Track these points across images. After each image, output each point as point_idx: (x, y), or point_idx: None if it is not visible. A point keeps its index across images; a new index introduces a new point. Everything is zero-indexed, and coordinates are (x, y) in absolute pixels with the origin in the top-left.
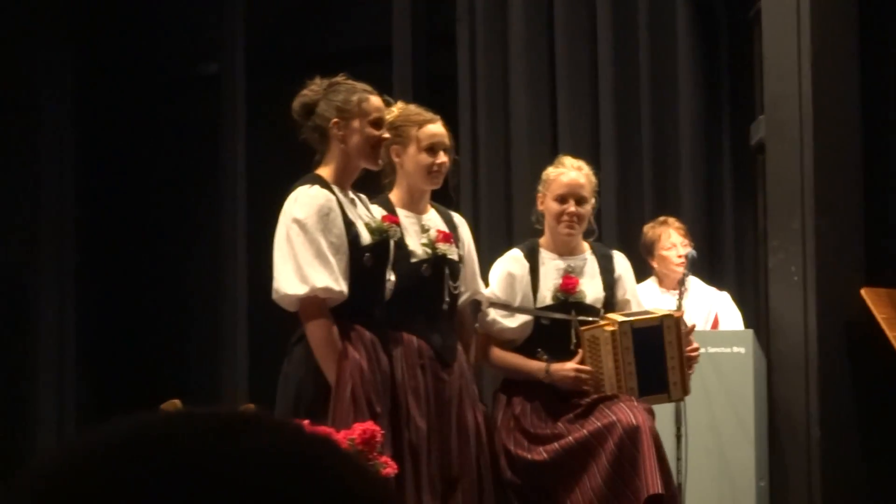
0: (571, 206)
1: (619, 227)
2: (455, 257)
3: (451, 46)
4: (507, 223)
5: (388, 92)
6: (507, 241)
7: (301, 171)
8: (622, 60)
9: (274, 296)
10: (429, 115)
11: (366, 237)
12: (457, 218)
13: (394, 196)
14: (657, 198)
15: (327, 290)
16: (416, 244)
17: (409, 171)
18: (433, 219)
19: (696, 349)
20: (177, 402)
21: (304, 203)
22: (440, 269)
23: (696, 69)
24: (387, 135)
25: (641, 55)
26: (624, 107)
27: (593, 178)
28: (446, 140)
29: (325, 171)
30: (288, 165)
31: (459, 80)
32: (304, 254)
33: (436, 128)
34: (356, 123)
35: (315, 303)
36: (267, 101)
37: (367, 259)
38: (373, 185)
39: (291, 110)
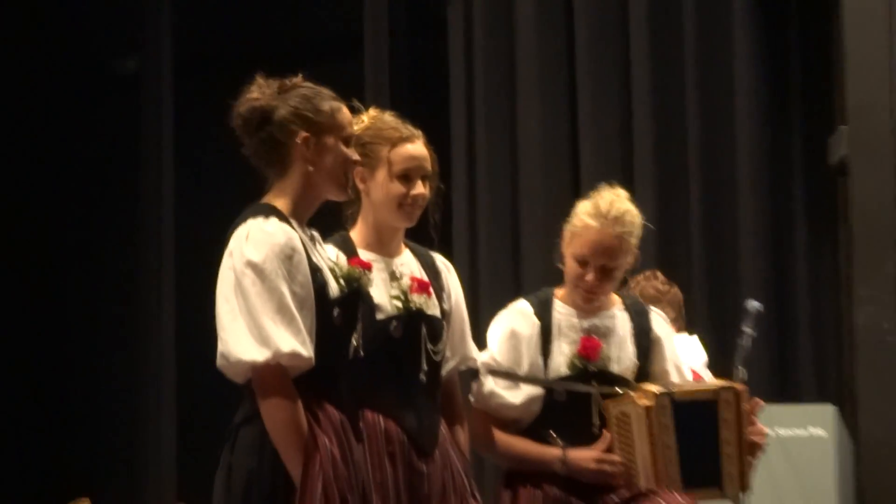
0: (590, 275)
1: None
2: (436, 312)
3: (440, 35)
4: (513, 269)
5: (358, 96)
6: (514, 292)
7: (246, 194)
8: (661, 56)
9: (220, 363)
10: (406, 130)
11: (334, 288)
12: (440, 261)
13: (356, 233)
14: (707, 235)
15: (294, 355)
16: (383, 296)
17: (376, 201)
18: (407, 263)
19: (762, 433)
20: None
21: (259, 241)
22: (415, 327)
23: (758, 66)
24: (356, 156)
25: (686, 48)
26: (664, 116)
27: (634, 235)
28: (426, 165)
29: (279, 200)
30: (227, 186)
31: (451, 79)
32: (262, 308)
33: (414, 148)
34: (330, 140)
35: (277, 372)
36: (198, 106)
37: (336, 316)
38: (326, 217)
39: (233, 118)
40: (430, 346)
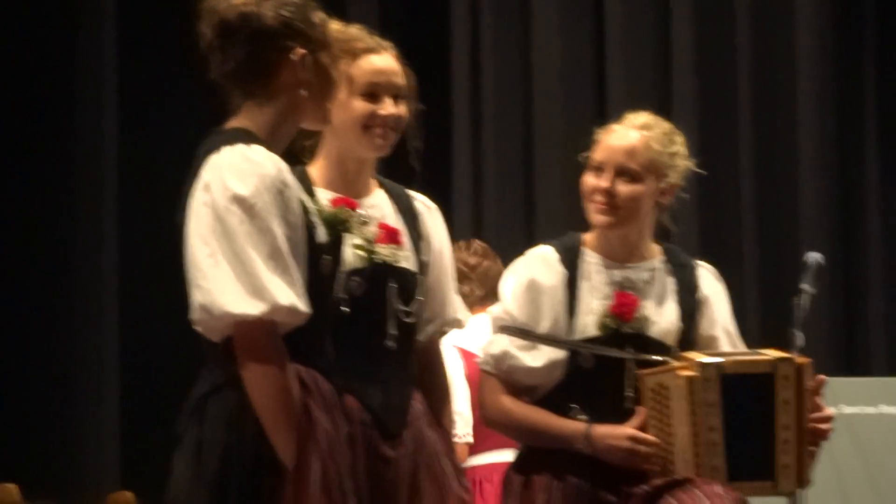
0: (604, 181)
1: (701, 239)
2: (409, 265)
3: None
4: (524, 229)
5: (339, 12)
6: (526, 242)
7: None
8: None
9: (199, 316)
10: (371, 41)
11: (321, 231)
12: (419, 202)
13: (315, 168)
14: (760, 177)
15: (292, 309)
16: (345, 245)
17: (338, 127)
18: (379, 205)
19: (828, 417)
20: (11, 489)
21: (246, 172)
22: (380, 284)
23: (821, 10)
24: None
25: None
26: (709, 43)
27: (666, 147)
28: (397, 80)
29: (250, 126)
30: (178, 127)
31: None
32: (254, 252)
33: (380, 60)
34: (326, 59)
35: (268, 331)
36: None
37: (324, 264)
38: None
39: (210, 27)
40: (399, 307)
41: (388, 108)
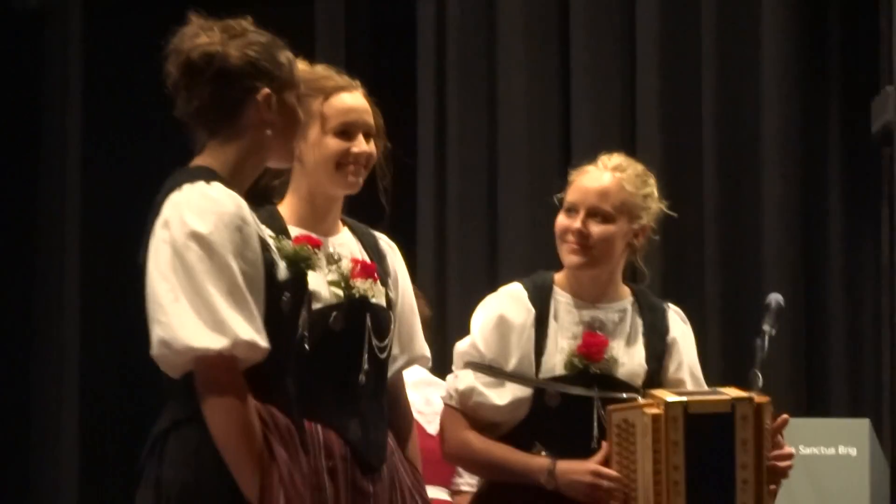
0: (577, 222)
1: (664, 278)
2: (382, 301)
3: None
4: (488, 268)
5: (306, 50)
6: (490, 285)
7: (166, 158)
8: (673, 4)
9: (159, 351)
10: (342, 79)
11: (282, 267)
12: (384, 242)
13: (285, 207)
14: (723, 216)
15: (252, 344)
16: (319, 282)
17: (310, 165)
18: (347, 243)
19: (788, 456)
20: None
21: (204, 210)
22: (359, 319)
23: (786, 16)
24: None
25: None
26: (674, 75)
27: (639, 189)
28: (369, 118)
29: (214, 165)
30: (144, 146)
31: (419, 32)
32: (214, 288)
33: (352, 99)
34: (291, 98)
35: (229, 366)
36: (110, 51)
37: (285, 302)
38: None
39: (176, 66)
40: (375, 342)
41: (361, 145)
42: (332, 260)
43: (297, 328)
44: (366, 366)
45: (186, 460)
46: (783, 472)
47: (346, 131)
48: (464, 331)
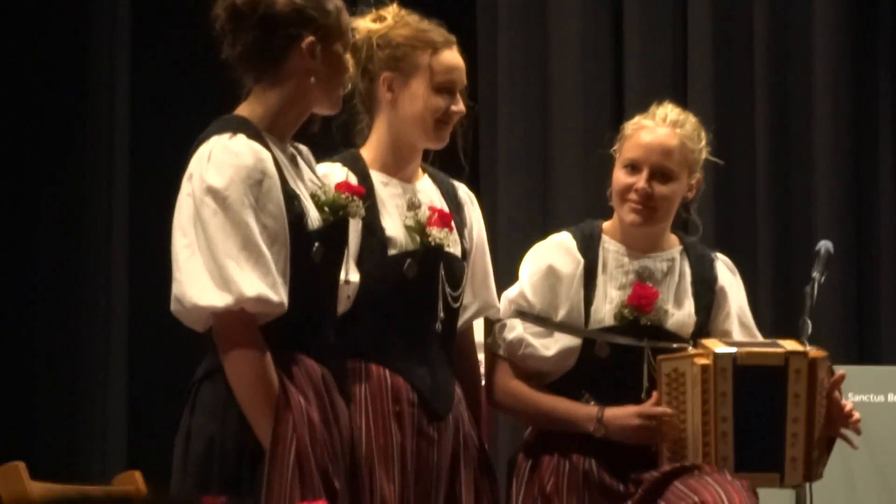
0: (641, 181)
1: (715, 228)
2: (456, 251)
3: None
4: (541, 205)
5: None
6: (542, 233)
7: (215, 106)
8: None
9: (174, 307)
10: (444, 34)
11: (314, 217)
12: (463, 192)
13: (368, 151)
14: (774, 162)
15: (261, 300)
16: (396, 227)
17: (405, 115)
18: (427, 190)
19: (846, 413)
20: (19, 468)
21: (223, 163)
22: (433, 267)
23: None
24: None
25: None
26: (725, 24)
27: (696, 144)
28: (464, 77)
29: (257, 112)
30: (192, 96)
31: None
32: (224, 243)
33: (454, 57)
34: (338, 48)
35: (241, 320)
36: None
37: (315, 252)
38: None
39: (220, 10)
40: (448, 290)
41: (460, 104)
42: (413, 206)
43: (335, 276)
44: (441, 314)
45: (213, 411)
46: (840, 428)
47: (448, 88)
48: (513, 276)
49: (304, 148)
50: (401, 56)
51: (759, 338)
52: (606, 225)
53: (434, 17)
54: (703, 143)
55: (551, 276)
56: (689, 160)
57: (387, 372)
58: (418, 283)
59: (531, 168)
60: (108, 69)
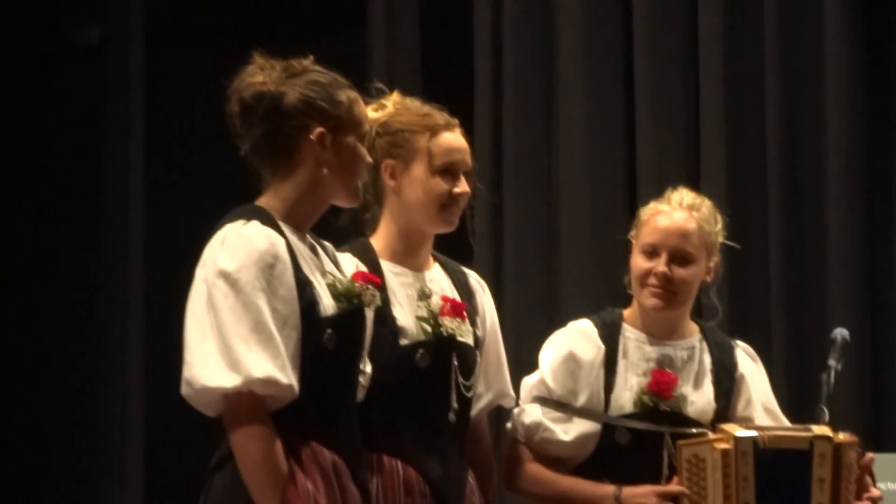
0: (660, 265)
1: (729, 314)
2: (469, 340)
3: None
4: (549, 288)
5: (356, 78)
6: (549, 319)
7: (232, 191)
8: (735, 21)
9: (184, 390)
10: (444, 117)
11: (328, 304)
12: (474, 280)
13: (378, 240)
14: (788, 248)
15: (270, 381)
16: (407, 317)
17: (410, 201)
18: (437, 279)
19: (876, 498)
20: None
21: (235, 248)
22: (445, 357)
23: (852, 35)
24: (369, 158)
25: (767, 16)
26: (737, 101)
27: (713, 227)
28: (468, 158)
29: (274, 203)
30: (208, 180)
31: (476, 54)
32: (235, 325)
33: (455, 138)
34: (349, 139)
35: (250, 401)
36: (172, 84)
37: (328, 338)
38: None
39: (232, 104)
40: (461, 380)
41: (463, 186)
42: (424, 296)
43: (351, 364)
44: (455, 404)
45: (225, 497)
46: None
47: (450, 171)
48: (519, 363)
49: (328, 245)
50: (400, 142)
51: (785, 422)
52: (626, 312)
53: (434, 101)
54: (719, 226)
55: (572, 362)
56: (707, 243)
57: (399, 463)
58: (431, 374)
59: (538, 250)
60: (121, 166)
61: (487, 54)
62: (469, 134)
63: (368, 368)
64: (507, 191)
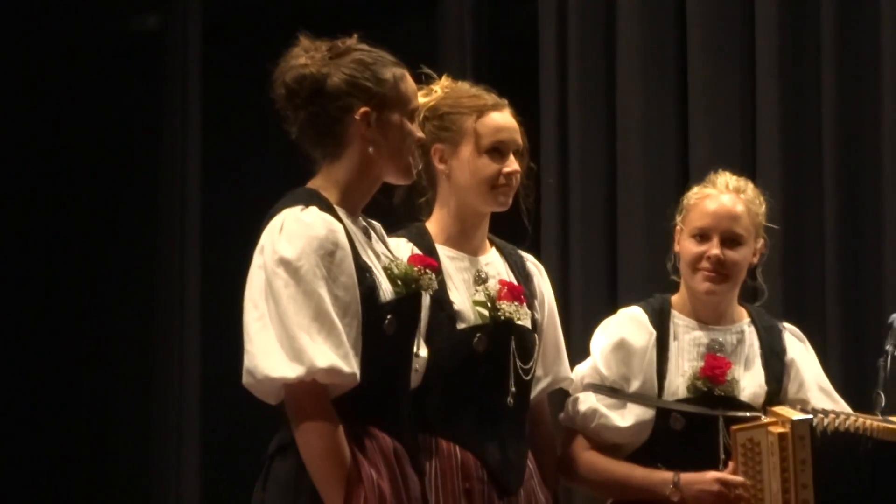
0: (714, 248)
1: (784, 299)
2: (527, 323)
3: None
4: (609, 271)
5: (430, 65)
6: (610, 301)
7: (286, 175)
8: (792, 20)
9: (246, 380)
10: (491, 97)
11: (387, 290)
12: (531, 263)
13: (433, 224)
14: (844, 235)
15: (333, 371)
16: (464, 301)
17: (460, 184)
18: (494, 263)
19: None
20: None
21: (295, 235)
22: (503, 341)
23: None
24: (420, 133)
25: (823, 11)
26: (793, 95)
27: (759, 209)
28: (518, 137)
29: (327, 186)
30: (264, 167)
31: (541, 45)
32: (296, 315)
33: (502, 118)
34: (394, 116)
35: (313, 391)
36: (232, 71)
37: (388, 324)
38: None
39: (276, 88)
40: (519, 364)
41: (512, 164)
42: (480, 280)
43: (408, 350)
44: (513, 388)
45: (285, 487)
46: None
47: (498, 150)
48: (585, 349)
49: (377, 224)
50: (447, 125)
51: (840, 401)
52: (675, 299)
53: (502, 93)
54: (763, 207)
55: (624, 348)
56: (755, 224)
57: (456, 448)
58: (488, 358)
59: (599, 237)
60: (180, 151)
61: (553, 48)
62: (535, 127)
63: (424, 353)
64: (573, 182)
